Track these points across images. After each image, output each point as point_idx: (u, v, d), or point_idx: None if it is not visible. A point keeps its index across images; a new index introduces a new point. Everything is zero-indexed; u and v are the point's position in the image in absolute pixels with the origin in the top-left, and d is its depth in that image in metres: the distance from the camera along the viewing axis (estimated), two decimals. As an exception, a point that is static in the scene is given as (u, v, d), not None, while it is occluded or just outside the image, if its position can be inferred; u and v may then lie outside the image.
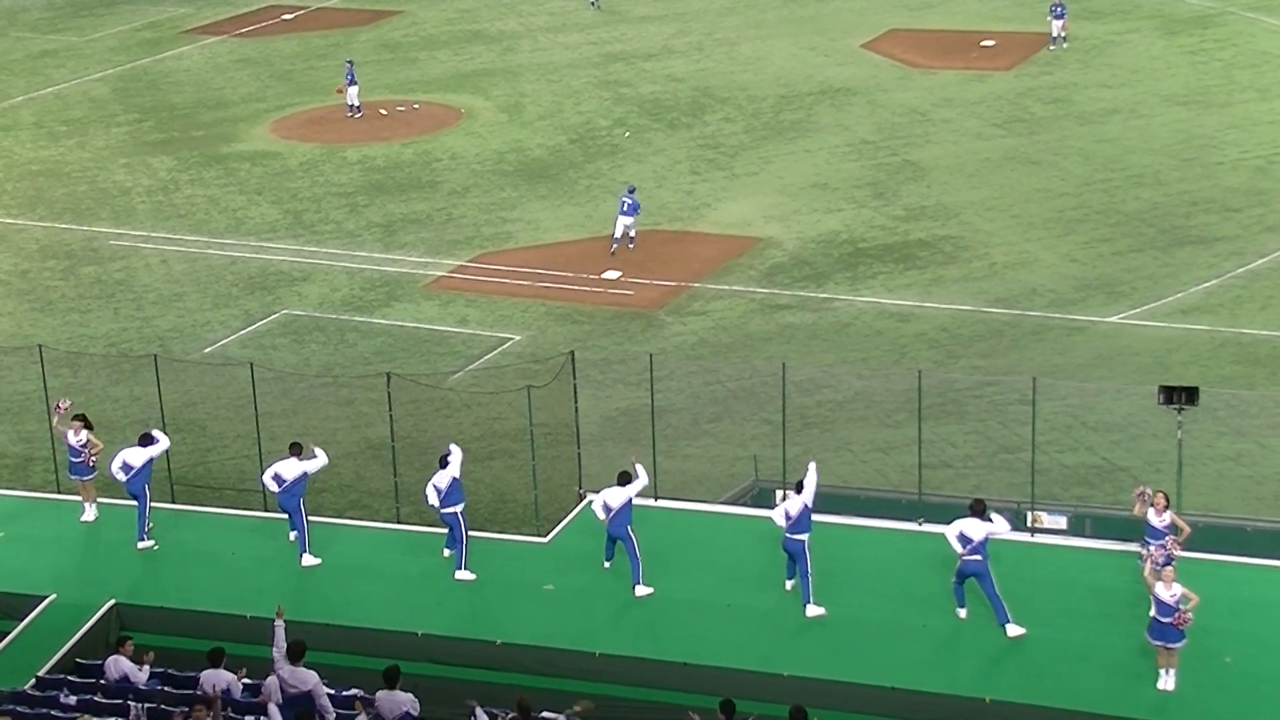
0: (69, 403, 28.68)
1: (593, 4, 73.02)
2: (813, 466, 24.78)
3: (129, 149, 55.69)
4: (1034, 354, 36.23)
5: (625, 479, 25.49)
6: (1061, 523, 26.58)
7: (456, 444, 26.56)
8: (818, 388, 34.69)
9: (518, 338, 38.57)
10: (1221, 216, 44.13)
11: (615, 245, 43.18)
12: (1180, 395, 26.45)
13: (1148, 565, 23.34)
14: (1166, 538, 23.64)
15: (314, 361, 37.75)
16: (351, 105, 57.78)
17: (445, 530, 26.51)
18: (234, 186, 51.09)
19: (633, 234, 43.32)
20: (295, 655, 21.10)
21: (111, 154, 55.21)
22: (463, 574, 26.06)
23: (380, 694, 20.77)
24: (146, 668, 22.36)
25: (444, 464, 26.00)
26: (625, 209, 43.13)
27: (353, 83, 57.77)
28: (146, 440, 27.42)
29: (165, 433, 28.16)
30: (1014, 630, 23.69)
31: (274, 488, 26.59)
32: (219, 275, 43.55)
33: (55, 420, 28.55)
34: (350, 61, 59.55)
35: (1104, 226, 43.86)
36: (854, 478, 30.83)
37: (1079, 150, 49.98)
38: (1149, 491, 24.06)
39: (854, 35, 64.71)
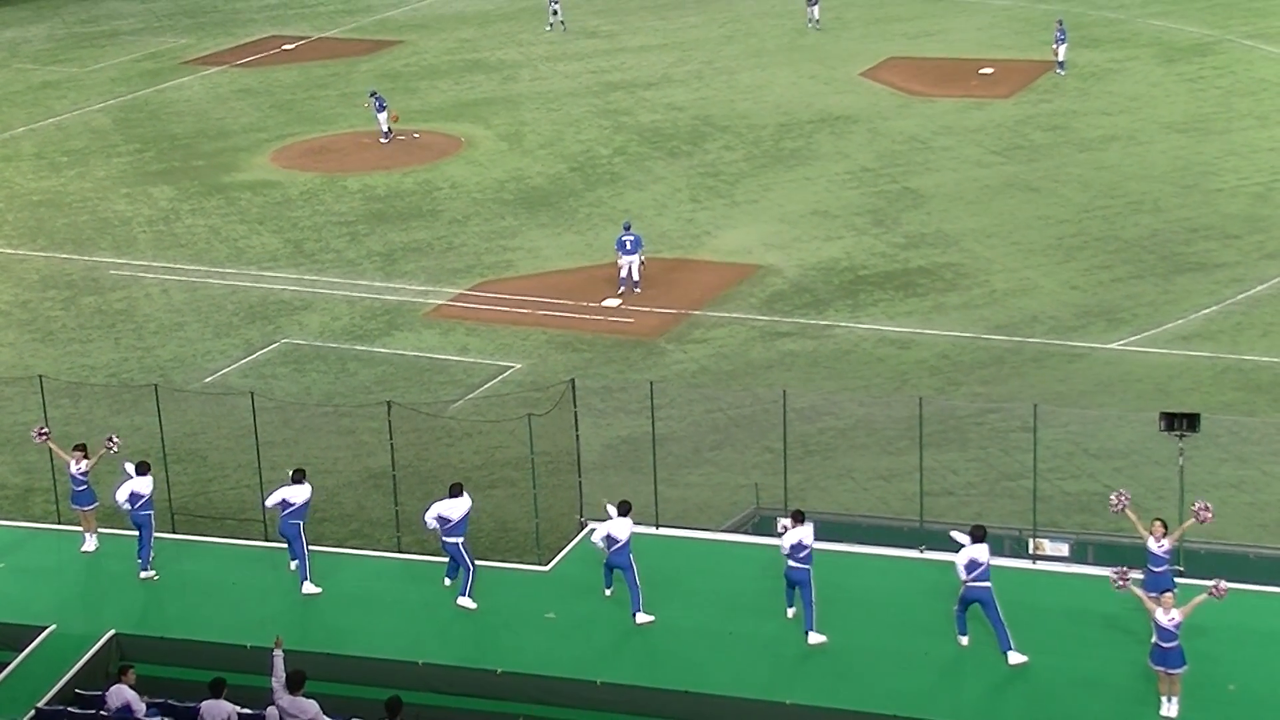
0: (46, 430, 28.88)
1: (552, 25, 73.80)
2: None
3: (130, 179, 55.79)
4: (1035, 381, 36.21)
5: (626, 508, 25.46)
6: (1064, 550, 26.54)
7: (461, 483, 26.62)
8: (819, 415, 34.67)
9: (518, 366, 38.58)
10: (1221, 243, 44.18)
11: (623, 286, 42.23)
12: (1182, 422, 26.46)
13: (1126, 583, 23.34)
14: (1214, 582, 23.34)
15: (315, 391, 37.74)
16: (386, 131, 57.98)
17: (444, 559, 26.49)
18: (235, 216, 51.17)
19: (636, 275, 42.20)
20: (295, 685, 21.05)
21: (112, 184, 55.31)
22: (464, 601, 26.03)
23: (381, 724, 20.72)
24: (146, 699, 22.29)
25: (456, 493, 26.01)
26: (629, 248, 42.32)
27: (381, 109, 57.96)
28: (145, 468, 27.41)
29: (163, 464, 28.24)
30: (1016, 658, 23.65)
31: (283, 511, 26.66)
32: (220, 305, 43.57)
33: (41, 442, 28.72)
34: (373, 92, 59.69)
35: (1104, 253, 43.90)
36: (855, 505, 30.81)
37: (1078, 177, 50.06)
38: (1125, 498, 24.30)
39: (853, 63, 64.88)
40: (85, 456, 28.00)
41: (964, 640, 24.09)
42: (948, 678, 23.69)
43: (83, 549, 28.40)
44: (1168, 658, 22.16)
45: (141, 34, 79.82)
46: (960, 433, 33.71)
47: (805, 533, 24.53)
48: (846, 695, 23.24)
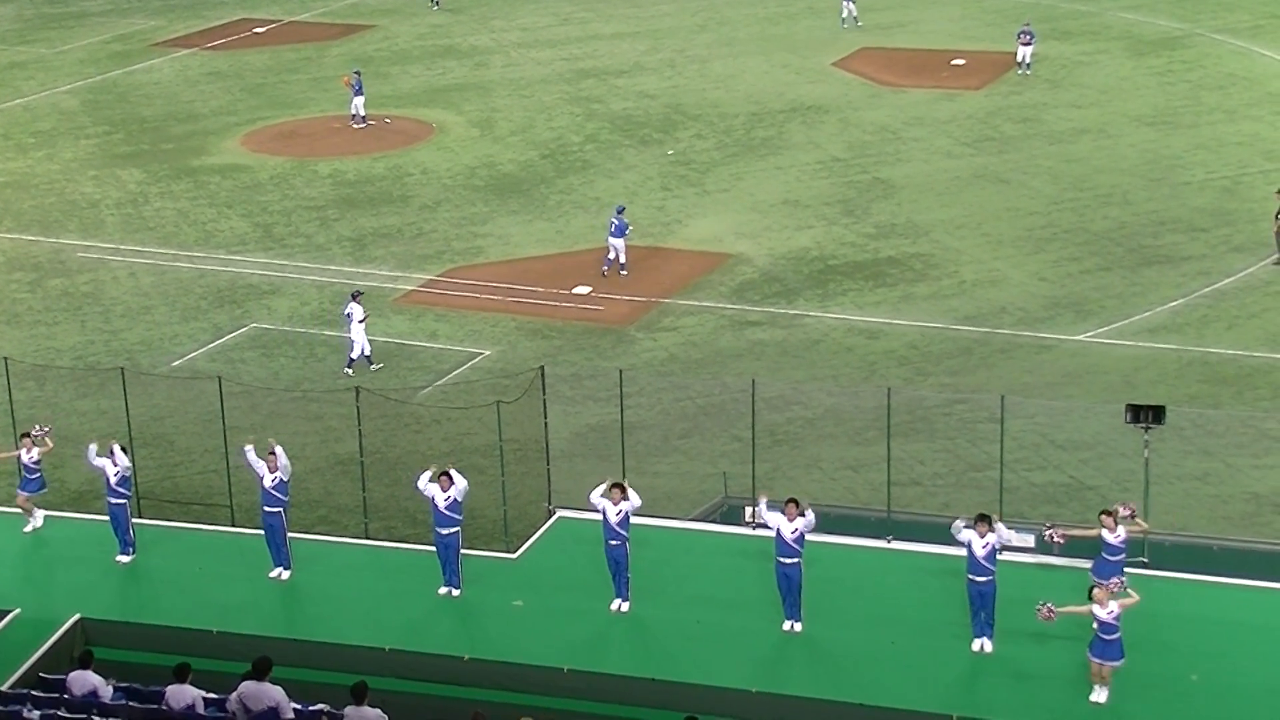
0: None
1: (435, 4, 75.89)
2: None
3: (98, 161, 55.47)
4: (1003, 372, 36.34)
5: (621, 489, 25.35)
6: (1029, 541, 26.63)
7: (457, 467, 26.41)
8: (787, 404, 34.73)
9: (487, 353, 38.52)
10: (1189, 236, 44.39)
11: (606, 267, 42.43)
12: (1147, 414, 26.59)
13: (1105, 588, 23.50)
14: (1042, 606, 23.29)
15: (283, 375, 37.62)
16: (356, 115, 57.69)
17: (414, 545, 26.44)
18: (204, 199, 50.93)
19: (623, 259, 42.39)
20: (261, 671, 21.00)
21: (80, 166, 54.98)
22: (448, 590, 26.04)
23: (348, 710, 20.68)
24: (113, 682, 22.21)
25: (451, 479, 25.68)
26: (614, 230, 42.30)
27: (359, 92, 57.69)
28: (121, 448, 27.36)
29: (129, 448, 28.12)
30: (980, 646, 23.79)
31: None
32: (188, 288, 43.38)
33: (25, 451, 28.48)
34: (358, 71, 59.53)
35: (1072, 245, 44.06)
36: (823, 495, 30.80)
37: (1048, 169, 50.23)
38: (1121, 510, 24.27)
39: (825, 53, 64.92)
40: (34, 444, 27.91)
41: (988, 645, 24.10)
42: (914, 667, 23.76)
43: (28, 529, 28.30)
44: (1108, 649, 22.39)
45: (110, 15, 79.33)
46: (928, 423, 33.82)
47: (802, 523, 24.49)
48: (813, 684, 23.32)
